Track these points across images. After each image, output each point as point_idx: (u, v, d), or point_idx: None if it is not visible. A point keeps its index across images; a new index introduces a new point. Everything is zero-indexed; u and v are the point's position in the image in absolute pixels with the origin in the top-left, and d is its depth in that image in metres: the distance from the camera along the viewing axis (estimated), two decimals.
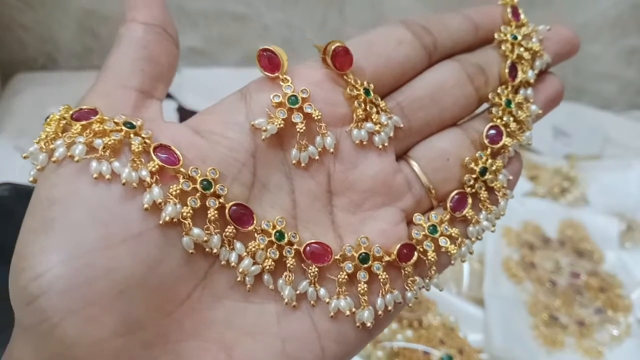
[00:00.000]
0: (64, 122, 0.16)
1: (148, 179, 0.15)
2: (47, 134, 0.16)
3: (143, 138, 0.16)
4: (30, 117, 0.52)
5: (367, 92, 0.18)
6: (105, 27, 0.60)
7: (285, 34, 0.62)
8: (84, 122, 0.16)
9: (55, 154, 0.15)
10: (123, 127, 0.16)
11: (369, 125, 0.18)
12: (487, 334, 0.39)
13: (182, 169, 0.16)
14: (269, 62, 0.18)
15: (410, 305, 0.18)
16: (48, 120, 0.16)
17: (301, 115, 0.17)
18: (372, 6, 0.61)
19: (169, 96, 0.56)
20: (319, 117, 0.17)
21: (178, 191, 0.16)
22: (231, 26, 0.61)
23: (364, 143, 0.18)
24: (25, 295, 0.14)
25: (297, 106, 0.17)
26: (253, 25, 0.61)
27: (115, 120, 0.16)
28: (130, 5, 0.18)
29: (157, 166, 0.15)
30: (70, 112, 0.16)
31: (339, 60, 0.18)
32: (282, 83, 0.17)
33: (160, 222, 0.15)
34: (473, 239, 0.19)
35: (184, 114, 0.54)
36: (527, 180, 0.52)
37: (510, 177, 0.20)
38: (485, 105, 0.20)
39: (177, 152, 0.16)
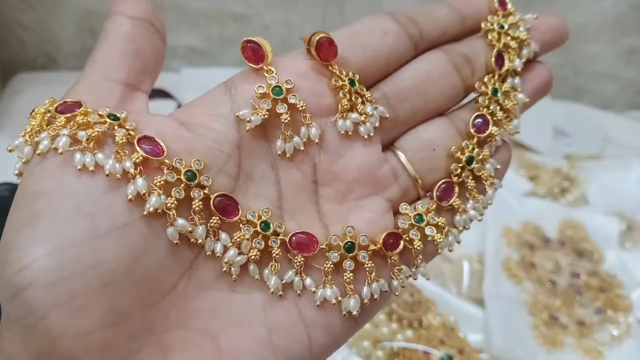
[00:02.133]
0: (49, 115, 0.16)
1: (132, 170, 0.15)
2: (32, 127, 0.16)
3: (127, 130, 0.16)
4: None
5: (352, 82, 0.18)
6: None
7: (285, 33, 0.62)
8: (68, 115, 0.16)
9: (39, 146, 0.15)
10: (107, 119, 0.16)
11: (354, 115, 0.18)
12: (487, 334, 0.39)
13: (166, 160, 0.16)
14: (253, 53, 0.18)
15: (396, 294, 0.18)
16: (33, 113, 0.16)
17: (285, 105, 0.17)
18: (371, 5, 0.61)
19: (168, 96, 0.56)
20: (304, 107, 0.17)
21: (162, 182, 0.16)
22: (231, 26, 0.61)
23: (349, 133, 0.18)
24: (10, 288, 0.14)
25: (281, 97, 0.17)
26: (253, 25, 0.61)
27: (100, 113, 0.16)
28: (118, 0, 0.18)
29: (140, 157, 0.15)
30: (55, 105, 0.16)
31: (324, 51, 0.18)
32: (266, 74, 0.17)
33: (145, 213, 0.15)
34: (460, 228, 0.19)
35: None
36: (527, 180, 0.52)
37: (498, 166, 0.20)
38: (473, 96, 0.20)
39: (162, 144, 0.16)
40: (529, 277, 0.43)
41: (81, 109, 0.16)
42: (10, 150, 0.16)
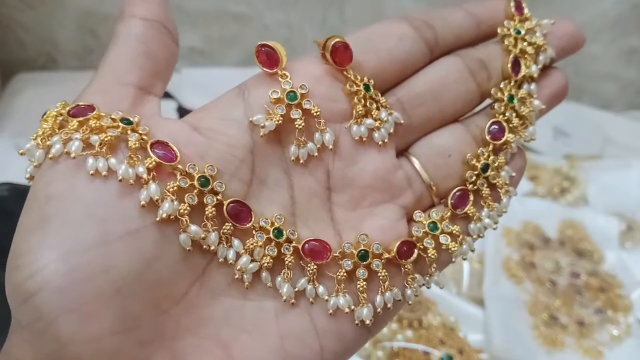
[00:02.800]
0: (61, 118, 0.16)
1: (145, 176, 0.15)
2: (43, 131, 0.16)
3: (140, 134, 0.15)
4: (31, 117, 0.52)
5: (367, 87, 0.18)
6: (105, 26, 0.60)
7: (285, 33, 0.62)
8: (80, 119, 0.15)
9: (51, 150, 0.15)
10: (120, 124, 0.15)
11: (368, 121, 0.18)
12: (487, 334, 0.39)
13: (179, 166, 0.16)
14: (268, 57, 0.17)
15: (410, 303, 0.18)
16: (45, 116, 0.16)
17: (300, 111, 0.17)
18: (372, 5, 0.61)
19: (169, 96, 0.56)
20: (318, 113, 0.17)
21: (175, 188, 0.15)
22: (231, 26, 0.61)
23: (364, 139, 0.18)
24: (21, 293, 0.14)
25: (295, 102, 0.17)
26: (253, 25, 0.61)
27: (112, 117, 0.16)
28: (129, 1, 0.18)
29: (154, 163, 0.15)
30: (67, 109, 0.16)
31: (339, 55, 0.17)
32: (280, 79, 0.17)
33: (157, 219, 0.15)
34: (474, 237, 0.19)
35: (184, 113, 0.54)
36: (527, 180, 0.52)
37: (513, 174, 0.19)
38: (488, 101, 0.20)
39: (175, 149, 0.16)
40: (529, 277, 0.43)
41: (94, 112, 0.15)
42: (21, 154, 0.16)
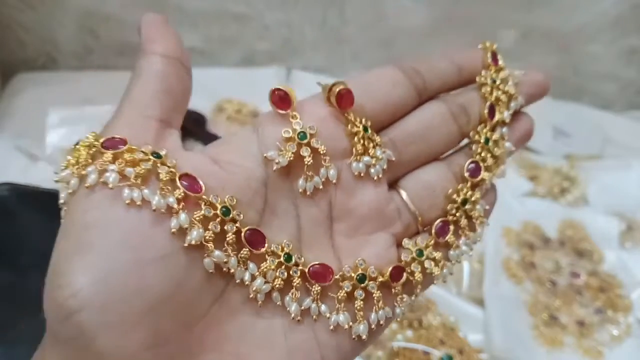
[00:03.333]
0: (94, 149, 0.17)
1: (175, 206, 0.17)
2: (77, 160, 0.17)
3: (169, 167, 0.17)
4: (31, 117, 0.52)
5: (365, 129, 0.20)
6: (105, 27, 0.60)
7: (285, 33, 0.62)
8: (114, 151, 0.17)
9: (88, 180, 0.16)
10: (151, 157, 0.17)
11: (366, 158, 0.20)
12: (487, 334, 0.39)
13: (204, 197, 0.17)
14: (280, 100, 0.19)
15: (398, 319, 0.20)
16: (77, 146, 0.17)
17: (309, 149, 0.19)
18: (372, 6, 0.61)
19: None
20: (324, 151, 0.19)
21: (201, 217, 0.17)
22: (231, 26, 0.61)
23: (362, 174, 0.20)
24: (62, 311, 0.15)
25: (305, 141, 0.19)
26: (253, 25, 0.61)
27: (143, 150, 0.17)
28: (149, 38, 0.19)
29: (182, 194, 0.17)
30: (101, 141, 0.17)
31: (343, 100, 0.20)
32: (292, 119, 0.19)
33: (185, 244, 0.17)
34: (453, 262, 0.21)
35: (185, 113, 0.54)
36: (527, 180, 0.52)
37: (487, 207, 0.22)
38: (466, 140, 0.23)
39: (200, 182, 0.17)
40: (529, 277, 0.43)
41: (126, 146, 0.17)
42: (56, 181, 0.17)
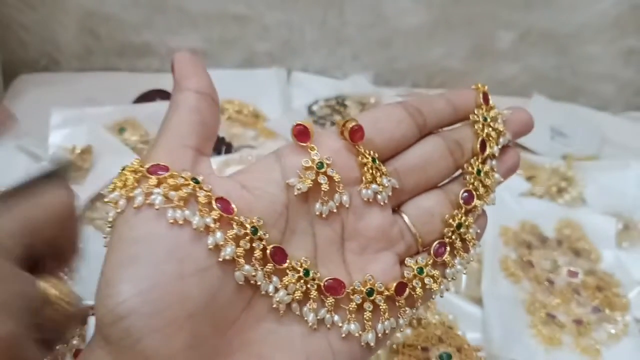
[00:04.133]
0: (140, 174, 0.19)
1: (212, 225, 0.19)
2: (124, 183, 0.19)
3: (206, 191, 0.19)
4: (33, 118, 0.53)
5: (374, 160, 0.23)
6: (106, 28, 0.60)
7: (285, 34, 0.63)
8: (159, 176, 0.19)
9: (135, 201, 0.19)
10: (190, 182, 0.19)
11: (374, 186, 0.23)
12: (485, 332, 0.40)
13: (236, 217, 0.20)
14: (300, 133, 0.22)
15: (401, 330, 0.22)
16: (122, 171, 0.20)
17: (325, 177, 0.22)
18: (371, 7, 0.61)
19: (170, 97, 0.56)
20: (339, 179, 0.22)
21: (234, 235, 0.19)
22: (232, 27, 0.62)
23: (370, 200, 0.23)
24: (112, 316, 0.17)
25: (323, 170, 0.22)
26: (253, 26, 0.62)
27: (183, 176, 0.19)
28: (183, 74, 0.22)
29: (218, 215, 0.19)
30: (146, 167, 0.19)
31: (355, 135, 0.22)
32: (310, 151, 0.22)
33: (220, 259, 0.19)
34: (449, 279, 0.24)
35: None
36: (524, 180, 0.53)
37: (478, 231, 0.25)
38: (460, 170, 0.26)
39: (233, 205, 0.20)
40: (527, 276, 0.44)
41: (169, 172, 0.19)
42: (106, 202, 0.20)
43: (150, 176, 0.19)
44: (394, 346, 0.37)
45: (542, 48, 0.63)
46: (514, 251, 0.45)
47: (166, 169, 0.19)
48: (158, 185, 0.19)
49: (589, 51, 0.63)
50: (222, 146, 0.52)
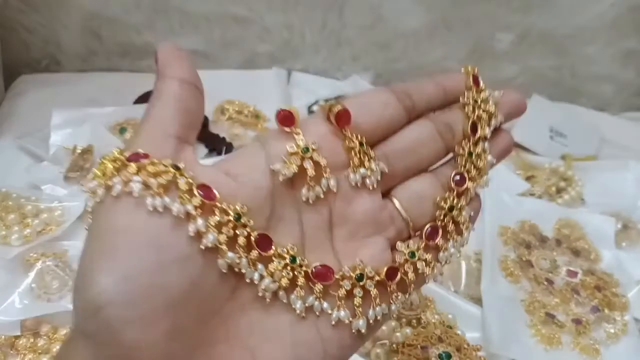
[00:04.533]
0: (119, 163, 0.19)
1: (193, 212, 0.18)
2: (103, 172, 0.19)
3: (187, 178, 0.19)
4: (34, 118, 0.53)
5: (361, 144, 0.22)
6: (108, 29, 0.60)
7: (286, 36, 0.63)
8: (138, 164, 0.18)
9: (114, 189, 0.18)
10: (171, 169, 0.19)
11: (362, 170, 0.22)
12: (484, 332, 0.40)
13: (218, 204, 0.19)
14: (285, 118, 0.21)
15: (394, 316, 0.21)
16: (102, 161, 0.19)
17: (311, 162, 0.21)
18: (371, 9, 0.61)
19: None
20: (325, 164, 0.21)
21: (216, 222, 0.19)
22: (232, 29, 0.62)
23: (358, 185, 0.22)
24: (91, 307, 0.17)
25: (308, 155, 0.21)
26: (254, 28, 0.62)
27: (164, 163, 0.19)
28: (165, 63, 0.21)
29: (199, 202, 0.18)
30: (126, 155, 0.19)
31: (341, 120, 0.22)
32: (295, 136, 0.21)
33: (202, 247, 0.18)
34: (443, 263, 0.24)
35: None
36: (523, 180, 0.53)
37: (472, 213, 0.24)
38: (452, 154, 0.25)
39: (215, 191, 0.19)
40: (526, 275, 0.44)
41: (149, 159, 0.19)
42: (84, 192, 0.19)
43: (130, 164, 0.18)
44: (394, 346, 0.37)
45: (541, 49, 0.63)
46: (513, 251, 0.45)
47: (146, 156, 0.19)
48: (137, 172, 0.18)
49: (587, 52, 0.64)
50: (222, 146, 0.53)
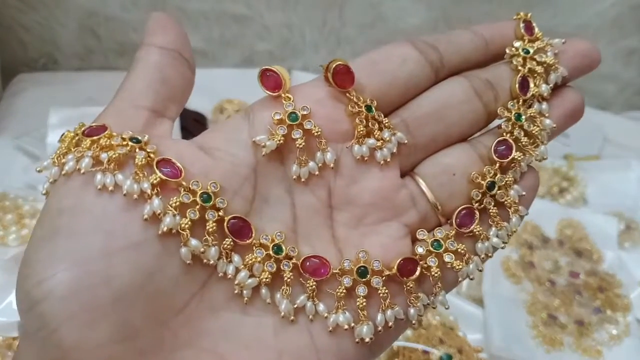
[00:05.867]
0: (77, 138, 0.17)
1: (149, 191, 0.16)
2: (60, 150, 0.17)
3: (147, 152, 0.16)
4: (32, 117, 0.53)
5: (369, 108, 0.18)
6: (106, 27, 0.60)
7: (285, 34, 0.63)
8: (93, 138, 0.16)
9: (65, 167, 0.16)
10: (129, 142, 0.16)
11: (370, 141, 0.18)
12: (486, 333, 0.39)
13: (183, 182, 0.16)
14: (271, 81, 0.18)
15: (414, 323, 0.18)
16: (63, 137, 0.17)
17: (301, 131, 0.18)
18: (371, 7, 0.61)
19: None
20: (319, 133, 0.18)
21: (178, 203, 0.16)
22: (232, 27, 0.62)
23: (365, 159, 0.18)
24: (28, 301, 0.15)
25: (297, 123, 0.17)
26: (253, 26, 0.62)
27: (122, 136, 0.16)
28: (149, 31, 0.19)
29: (158, 179, 0.16)
30: (82, 129, 0.17)
31: (340, 77, 0.18)
32: (284, 101, 0.18)
33: (159, 232, 0.15)
34: (482, 256, 0.19)
35: (185, 113, 0.54)
36: None
37: (524, 193, 0.19)
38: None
39: (179, 166, 0.16)
40: (528, 276, 0.44)
41: (106, 132, 0.16)
42: (39, 171, 0.17)
43: (86, 139, 0.16)
44: (394, 347, 0.37)
45: None
46: (516, 252, 0.45)
47: (104, 129, 0.16)
48: (90, 147, 0.16)
49: None
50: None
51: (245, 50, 0.63)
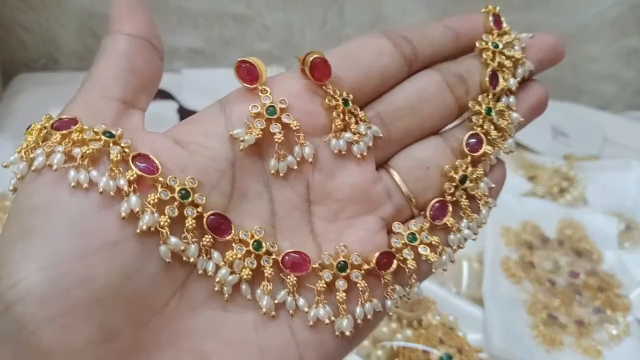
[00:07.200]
0: (45, 131, 0.16)
1: (126, 188, 0.15)
2: (27, 144, 0.16)
3: (122, 147, 0.16)
4: (31, 118, 0.52)
5: (345, 102, 0.18)
6: (106, 27, 0.60)
7: (285, 34, 0.63)
8: (63, 132, 0.16)
9: (34, 163, 0.15)
10: (102, 137, 0.16)
11: (347, 135, 0.18)
12: (486, 333, 0.39)
13: (160, 178, 0.16)
14: (248, 73, 0.18)
15: (390, 314, 0.18)
16: (29, 130, 0.16)
17: (279, 125, 0.17)
18: (371, 7, 0.61)
19: (169, 97, 0.56)
20: (297, 127, 0.18)
21: (156, 200, 0.16)
22: (231, 27, 0.62)
23: (343, 153, 0.18)
24: (1, 303, 0.14)
25: (275, 116, 0.17)
26: (253, 26, 0.62)
27: (95, 130, 0.16)
28: (116, 17, 0.18)
29: (135, 175, 0.16)
30: (51, 122, 0.16)
31: (317, 71, 0.18)
32: (260, 94, 0.18)
33: (137, 230, 0.15)
34: (454, 247, 0.19)
35: (185, 114, 0.54)
36: (526, 180, 0.53)
37: (493, 185, 0.20)
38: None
39: (156, 161, 0.16)
40: (528, 276, 0.44)
41: (77, 125, 0.16)
42: (5, 166, 0.16)
43: (55, 132, 0.16)
44: (394, 347, 0.37)
45: None
46: (515, 252, 0.45)
47: (75, 122, 0.16)
48: (61, 141, 0.15)
49: (589, 51, 0.63)
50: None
51: (245, 50, 0.63)
